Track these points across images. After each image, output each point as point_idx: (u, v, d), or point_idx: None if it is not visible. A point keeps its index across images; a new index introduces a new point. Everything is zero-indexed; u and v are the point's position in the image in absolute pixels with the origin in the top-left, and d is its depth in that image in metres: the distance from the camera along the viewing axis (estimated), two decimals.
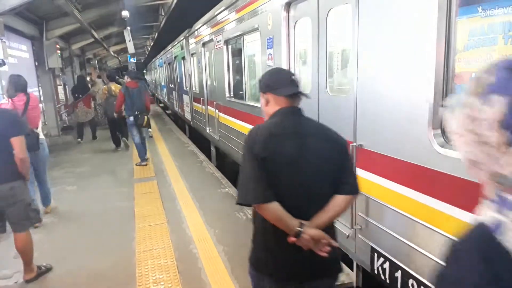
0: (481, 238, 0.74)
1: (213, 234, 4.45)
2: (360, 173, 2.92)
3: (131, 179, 6.97)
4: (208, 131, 9.04)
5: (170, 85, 17.43)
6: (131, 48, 18.54)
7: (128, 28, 17.05)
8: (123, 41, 19.33)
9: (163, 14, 18.88)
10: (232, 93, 6.98)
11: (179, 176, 7.02)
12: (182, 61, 12.48)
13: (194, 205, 5.45)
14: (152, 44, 34.15)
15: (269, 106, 2.00)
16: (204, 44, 8.72)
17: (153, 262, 3.87)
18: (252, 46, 5.90)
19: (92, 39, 16.33)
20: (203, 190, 6.14)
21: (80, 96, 11.73)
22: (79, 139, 11.40)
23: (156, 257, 3.97)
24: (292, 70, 3.85)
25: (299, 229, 1.77)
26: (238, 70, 6.69)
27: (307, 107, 3.21)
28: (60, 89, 15.23)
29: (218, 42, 7.17)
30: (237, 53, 6.58)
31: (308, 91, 3.50)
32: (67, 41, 15.71)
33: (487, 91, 0.72)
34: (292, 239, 1.78)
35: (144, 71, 41.05)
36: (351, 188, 1.92)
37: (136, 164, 7.96)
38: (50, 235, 4.51)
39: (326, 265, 1.92)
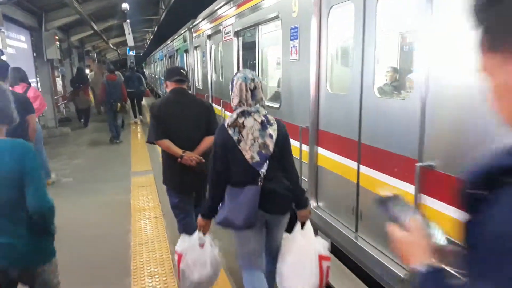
0: None
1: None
2: (431, 203, 2.17)
3: (128, 172, 6.96)
4: None
5: None
6: (130, 41, 18.48)
7: (128, 21, 16.99)
8: (123, 34, 19.26)
9: (163, 7, 18.81)
10: None
11: None
12: (184, 54, 11.85)
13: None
14: (151, 37, 34.05)
15: (168, 88, 3.44)
16: (210, 36, 8.03)
17: (148, 255, 3.87)
18: (269, 38, 5.31)
19: (92, 31, 16.25)
20: None
21: (80, 85, 12.89)
22: (82, 120, 13.06)
23: (151, 250, 3.98)
24: (324, 66, 3.28)
25: (181, 154, 3.22)
26: (250, 65, 6.21)
27: (344, 112, 2.98)
28: (58, 80, 15.18)
29: (227, 34, 6.49)
30: (250, 46, 5.96)
31: (345, 93, 3.05)
32: (66, 32, 15.63)
33: None
34: (179, 160, 3.21)
35: (143, 65, 40.93)
36: (214, 131, 2.74)
37: (109, 141, 9.96)
38: None
39: (202, 175, 3.13)
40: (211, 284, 2.69)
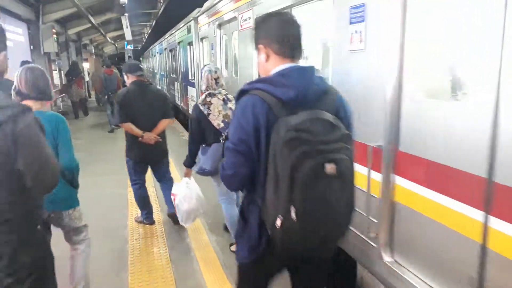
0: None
1: (206, 224, 4.45)
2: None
3: (125, 166, 6.93)
4: None
5: (172, 74, 15.27)
6: (128, 35, 18.40)
7: (126, 14, 16.89)
8: (120, 27, 19.15)
9: (161, 1, 18.71)
10: None
11: (174, 166, 7.01)
12: (188, 47, 10.46)
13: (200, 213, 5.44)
14: (149, 31, 33.88)
15: (128, 79, 4.14)
16: (221, 25, 6.81)
17: (145, 250, 3.88)
18: (310, 23, 3.93)
19: (89, 25, 16.16)
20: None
21: (73, 78, 13.29)
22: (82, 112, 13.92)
23: (149, 245, 3.98)
24: (410, 59, 2.26)
25: (142, 134, 4.00)
26: None
27: (451, 129, 1.95)
28: (56, 74, 15.10)
29: (245, 20, 5.30)
30: None
31: (456, 100, 2.06)
32: (64, 25, 15.54)
33: None
34: (139, 139, 4.00)
35: (141, 59, 40.74)
36: (169, 116, 4.25)
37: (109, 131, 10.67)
38: None
39: (158, 154, 4.29)
40: (199, 212, 3.65)
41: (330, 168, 1.46)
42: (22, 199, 1.71)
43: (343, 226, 1.64)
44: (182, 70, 12.33)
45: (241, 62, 5.75)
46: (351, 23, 2.75)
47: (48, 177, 1.75)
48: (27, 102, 2.32)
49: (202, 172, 3.61)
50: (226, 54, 6.59)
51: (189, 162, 3.70)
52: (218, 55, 7.08)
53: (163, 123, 4.17)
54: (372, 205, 2.51)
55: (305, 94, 1.61)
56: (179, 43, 12.49)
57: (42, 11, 11.55)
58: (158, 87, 22.58)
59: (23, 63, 4.85)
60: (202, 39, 8.95)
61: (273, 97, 1.59)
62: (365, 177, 2.50)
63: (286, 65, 1.69)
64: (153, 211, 4.83)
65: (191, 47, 9.90)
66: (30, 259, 1.74)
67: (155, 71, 23.77)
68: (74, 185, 2.76)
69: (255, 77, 5.01)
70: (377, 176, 2.50)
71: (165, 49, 16.80)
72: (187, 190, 3.47)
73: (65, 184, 2.62)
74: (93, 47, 26.43)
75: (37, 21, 11.43)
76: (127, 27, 17.36)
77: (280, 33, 1.70)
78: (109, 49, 37.84)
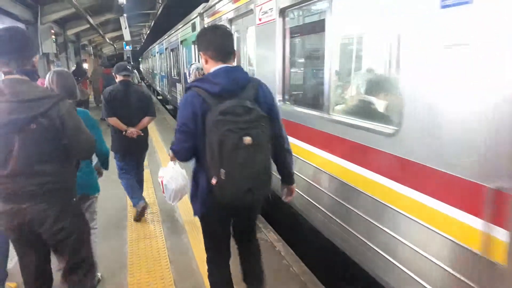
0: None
1: None
2: None
3: None
4: None
5: (173, 75, 14.11)
6: (127, 36, 18.40)
7: (125, 15, 16.89)
8: (119, 28, 19.14)
9: (160, 1, 18.69)
10: (290, 96, 4.27)
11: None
12: (192, 46, 9.45)
13: (187, 195, 5.43)
14: (148, 32, 33.86)
15: (116, 79, 4.56)
16: (232, 21, 5.99)
17: (144, 251, 3.87)
18: (360, 13, 3.21)
19: (88, 25, 16.15)
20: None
21: (79, 79, 13.43)
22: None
23: (148, 246, 3.97)
24: None
25: (126, 129, 4.45)
26: (309, 58, 4.40)
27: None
28: None
29: (264, 13, 4.41)
30: (310, 30, 4.14)
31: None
32: (62, 26, 15.52)
33: None
34: (123, 133, 4.43)
35: (140, 59, 40.69)
36: (151, 114, 4.68)
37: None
38: None
39: (140, 147, 4.75)
40: (185, 192, 3.68)
41: (247, 140, 2.02)
42: (66, 172, 2.25)
43: (263, 181, 2.18)
44: (185, 71, 11.19)
45: (259, 62, 4.92)
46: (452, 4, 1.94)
47: (87, 146, 2.32)
48: None
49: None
50: (239, 54, 5.92)
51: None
52: None
53: (145, 120, 4.63)
54: (493, 277, 1.75)
55: (229, 87, 2.18)
56: (182, 42, 11.53)
57: (41, 12, 11.54)
58: (158, 88, 22.20)
59: None
60: None
61: (205, 91, 2.18)
62: (475, 232, 1.82)
63: (218, 66, 2.26)
64: (154, 211, 4.84)
65: (196, 46, 9.06)
66: (69, 224, 2.24)
67: (155, 72, 22.78)
68: (106, 166, 3.33)
69: (279, 81, 4.23)
70: (499, 233, 1.71)
71: (166, 48, 15.76)
72: (173, 171, 3.66)
73: (92, 172, 3.16)
74: (91, 48, 26.40)
75: (35, 22, 11.42)
76: (125, 28, 17.37)
77: (213, 42, 2.29)
78: (108, 50, 37.80)
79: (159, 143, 9.11)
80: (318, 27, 3.75)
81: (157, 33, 24.25)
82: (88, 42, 23.84)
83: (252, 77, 2.37)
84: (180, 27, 11.87)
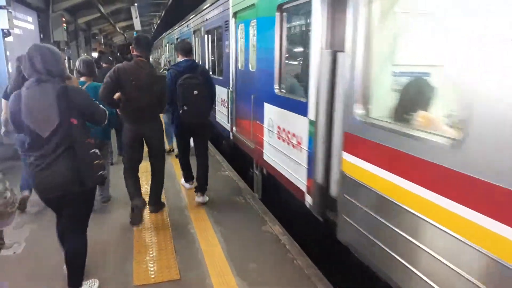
0: None
1: (211, 216, 4.47)
2: None
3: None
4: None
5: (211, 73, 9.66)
6: (137, 25, 18.40)
7: (136, 4, 16.88)
8: (130, 17, 19.15)
9: None
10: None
11: None
12: (226, 33, 6.62)
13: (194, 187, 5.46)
14: (158, 22, 33.83)
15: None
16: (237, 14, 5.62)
17: (151, 240, 3.90)
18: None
19: (99, 14, 16.18)
20: None
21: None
22: None
23: (154, 235, 4.00)
24: None
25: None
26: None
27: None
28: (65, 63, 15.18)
29: None
30: None
31: None
32: (74, 14, 15.57)
33: None
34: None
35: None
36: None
37: None
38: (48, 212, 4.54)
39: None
40: None
41: (194, 92, 4.41)
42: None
43: (203, 112, 4.64)
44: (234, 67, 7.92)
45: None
46: None
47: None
48: (84, 78, 4.43)
49: None
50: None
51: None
52: (233, 51, 6.02)
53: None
54: None
55: (187, 68, 4.51)
56: (236, 15, 7.11)
57: (52, 0, 11.58)
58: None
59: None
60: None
61: (175, 70, 4.55)
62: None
63: (183, 59, 4.63)
64: (160, 204, 4.88)
65: (230, 32, 6.27)
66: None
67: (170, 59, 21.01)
68: (112, 124, 4.53)
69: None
70: None
71: (196, 31, 10.76)
72: None
73: (107, 128, 4.39)
74: (102, 37, 26.47)
75: (47, 10, 11.47)
76: (136, 17, 17.37)
77: (180, 47, 4.72)
78: (118, 39, 37.89)
79: None
80: None
81: (168, 22, 24.19)
82: (98, 31, 23.91)
83: (200, 64, 5.18)
84: (203, 10, 8.83)
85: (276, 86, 4.34)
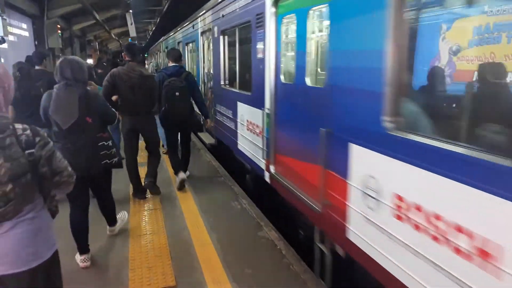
0: None
1: (207, 222, 4.46)
2: None
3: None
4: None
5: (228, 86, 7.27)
6: (132, 32, 18.43)
7: (131, 11, 16.92)
8: (125, 24, 19.17)
9: None
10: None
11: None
12: (257, 31, 4.82)
13: (190, 192, 5.45)
14: (154, 28, 33.89)
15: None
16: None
17: (146, 246, 3.88)
18: None
19: (94, 21, 16.19)
20: (199, 178, 6.15)
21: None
22: None
23: (149, 241, 3.99)
24: None
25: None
26: None
27: None
28: None
29: None
30: None
31: None
32: (68, 21, 15.57)
33: None
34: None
35: (146, 55, 40.69)
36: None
37: None
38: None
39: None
40: None
41: (176, 93, 5.16)
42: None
43: (183, 113, 5.34)
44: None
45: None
46: None
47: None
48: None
49: None
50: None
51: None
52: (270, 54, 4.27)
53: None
54: None
55: (174, 73, 5.32)
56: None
57: (47, 7, 11.59)
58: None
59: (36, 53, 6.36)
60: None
61: (164, 73, 5.34)
62: None
63: (172, 64, 5.54)
64: (157, 207, 4.86)
65: (260, 30, 4.71)
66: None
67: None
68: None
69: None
70: None
71: (204, 33, 8.63)
72: None
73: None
74: (97, 44, 26.47)
75: (42, 17, 11.47)
76: (131, 24, 17.40)
77: (171, 54, 5.66)
78: (113, 46, 37.89)
79: None
80: None
81: (163, 29, 24.22)
82: (93, 37, 23.90)
83: (186, 70, 5.76)
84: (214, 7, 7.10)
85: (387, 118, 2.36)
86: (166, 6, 19.86)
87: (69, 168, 2.05)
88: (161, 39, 19.81)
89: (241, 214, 4.73)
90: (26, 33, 11.38)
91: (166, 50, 17.66)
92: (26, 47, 10.76)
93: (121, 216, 4.33)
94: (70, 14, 14.52)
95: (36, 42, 11.90)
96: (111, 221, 4.10)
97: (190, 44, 10.53)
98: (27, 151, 1.80)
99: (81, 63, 3.44)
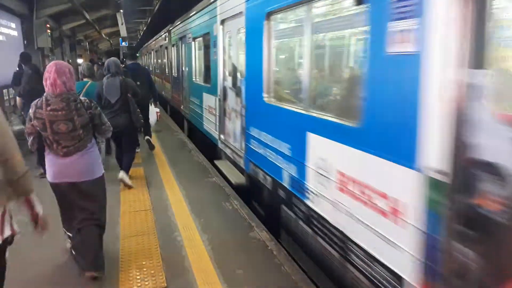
0: None
1: (198, 223, 4.45)
2: None
3: (117, 164, 6.90)
4: None
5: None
6: (123, 32, 18.32)
7: (121, 11, 16.81)
8: (116, 24, 19.06)
9: None
10: None
11: (166, 164, 7.00)
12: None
13: (180, 193, 5.44)
14: (145, 28, 33.73)
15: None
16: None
17: (136, 248, 3.86)
18: None
19: (84, 21, 16.06)
20: (190, 179, 6.13)
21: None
22: None
23: (140, 243, 3.97)
24: None
25: None
26: None
27: None
28: None
29: None
30: None
31: None
32: (58, 21, 15.43)
33: None
34: None
35: (137, 55, 40.54)
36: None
37: None
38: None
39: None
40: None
41: (137, 83, 6.39)
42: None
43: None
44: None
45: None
46: None
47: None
48: (86, 78, 6.15)
49: None
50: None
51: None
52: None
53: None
54: None
55: (132, 69, 7.69)
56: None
57: (36, 6, 11.47)
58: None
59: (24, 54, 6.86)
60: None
61: (125, 70, 6.87)
62: None
63: (131, 62, 8.26)
64: (147, 208, 4.84)
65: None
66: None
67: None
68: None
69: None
70: None
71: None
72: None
73: None
74: (87, 43, 26.25)
75: (31, 16, 11.35)
76: (122, 24, 17.31)
77: (130, 54, 9.55)
78: (104, 45, 37.60)
79: (156, 146, 9.08)
80: None
81: (154, 29, 24.11)
82: (84, 37, 23.70)
83: (143, 66, 10.16)
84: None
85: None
86: (157, 6, 19.78)
87: (108, 123, 3.47)
88: (154, 37, 17.85)
89: (232, 215, 4.74)
90: (15, 33, 11.24)
91: (167, 48, 14.03)
92: (15, 47, 10.63)
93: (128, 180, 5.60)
94: (60, 14, 14.39)
95: (25, 42, 11.77)
96: (126, 170, 5.59)
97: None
98: (88, 111, 3.21)
99: (118, 62, 5.58)
